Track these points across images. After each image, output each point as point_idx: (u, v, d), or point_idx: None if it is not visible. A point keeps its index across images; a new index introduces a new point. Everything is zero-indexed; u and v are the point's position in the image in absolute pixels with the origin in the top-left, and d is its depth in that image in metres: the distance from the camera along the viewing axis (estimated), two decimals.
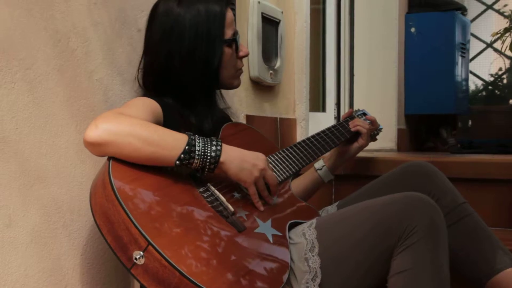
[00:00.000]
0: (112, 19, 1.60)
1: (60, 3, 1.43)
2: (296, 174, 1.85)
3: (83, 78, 1.50)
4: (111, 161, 1.29)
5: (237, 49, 1.62)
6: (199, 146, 1.33)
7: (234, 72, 1.64)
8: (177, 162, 1.31)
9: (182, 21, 1.54)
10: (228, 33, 1.59)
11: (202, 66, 1.55)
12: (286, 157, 1.73)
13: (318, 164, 1.96)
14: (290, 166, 1.71)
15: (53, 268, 1.40)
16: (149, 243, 1.19)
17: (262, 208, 1.47)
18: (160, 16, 1.56)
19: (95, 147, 1.29)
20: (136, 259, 1.20)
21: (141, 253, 1.20)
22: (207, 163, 1.35)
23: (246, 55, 1.66)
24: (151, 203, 1.28)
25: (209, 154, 1.34)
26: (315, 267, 1.42)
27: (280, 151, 1.73)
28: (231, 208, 1.40)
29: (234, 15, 1.70)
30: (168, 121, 1.49)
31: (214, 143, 1.36)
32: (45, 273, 1.38)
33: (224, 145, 1.38)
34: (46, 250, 1.38)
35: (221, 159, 1.36)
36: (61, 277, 1.42)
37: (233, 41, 1.61)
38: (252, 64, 2.34)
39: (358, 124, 1.96)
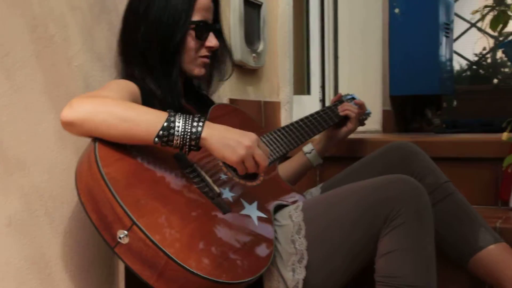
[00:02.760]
0: (91, 4, 1.59)
1: None
2: (284, 157, 1.85)
3: (63, 64, 1.49)
4: (97, 141, 1.29)
5: (200, 37, 1.60)
6: (179, 123, 1.30)
7: (194, 58, 1.62)
8: (156, 139, 1.28)
9: None
10: (195, 18, 1.59)
11: (161, 42, 1.56)
12: (274, 139, 1.73)
13: (307, 147, 1.97)
14: (278, 148, 1.71)
15: (35, 256, 1.39)
16: (134, 223, 1.19)
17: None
18: None
19: (71, 127, 1.29)
20: (120, 238, 1.20)
21: (125, 232, 1.20)
22: (187, 140, 1.30)
23: (213, 47, 1.63)
24: (137, 183, 1.28)
25: (189, 130, 1.30)
26: (301, 249, 1.43)
27: (269, 133, 1.74)
28: (216, 189, 1.40)
29: (218, 1, 1.68)
30: (146, 100, 1.49)
31: (196, 119, 1.32)
32: (28, 261, 1.37)
33: (207, 122, 1.34)
34: (28, 238, 1.38)
35: (203, 135, 1.31)
36: (44, 265, 1.42)
37: (198, 27, 1.59)
38: (235, 47, 2.33)
39: (347, 108, 1.96)
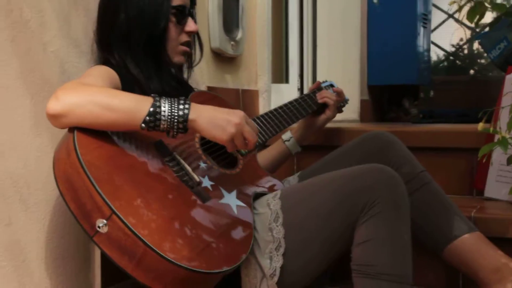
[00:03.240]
0: None
1: None
2: (263, 145, 1.85)
3: (38, 49, 1.47)
4: (75, 130, 1.28)
5: (180, 22, 1.61)
6: (164, 107, 1.30)
7: (175, 45, 1.62)
8: (143, 125, 1.28)
9: None
10: (176, 2, 1.59)
11: (146, 27, 1.56)
12: None
13: (286, 135, 1.97)
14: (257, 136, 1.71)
15: (10, 242, 1.38)
16: (113, 212, 1.19)
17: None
18: None
19: (57, 119, 1.28)
20: (99, 227, 1.20)
21: (104, 221, 1.20)
22: (175, 123, 1.30)
23: (192, 31, 1.63)
24: (116, 172, 1.27)
25: (176, 113, 1.30)
26: (279, 237, 1.43)
27: None
28: (196, 178, 1.40)
29: None
30: (126, 86, 1.49)
31: (181, 102, 1.32)
32: (1, 248, 1.36)
33: (193, 104, 1.33)
34: (2, 224, 1.36)
35: (191, 116, 1.31)
36: (18, 251, 1.40)
37: (178, 12, 1.60)
38: (213, 35, 2.31)
39: (325, 96, 1.97)
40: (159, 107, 1.29)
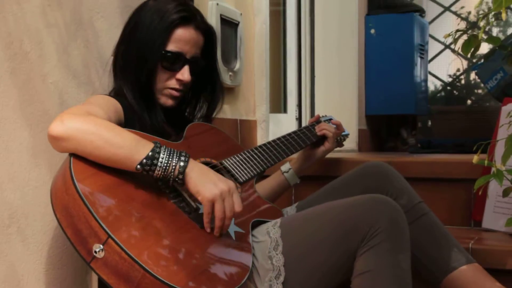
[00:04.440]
0: (67, 21, 1.59)
1: (12, 5, 1.41)
2: (261, 175, 1.86)
3: (37, 81, 1.48)
4: (72, 156, 1.29)
5: (171, 68, 1.60)
6: (163, 155, 1.32)
7: (162, 88, 1.62)
8: (138, 166, 1.30)
9: (141, 20, 1.58)
10: (171, 48, 1.59)
11: (137, 64, 1.57)
12: (251, 157, 1.73)
13: (285, 167, 1.98)
14: (255, 166, 1.72)
15: (7, 273, 1.38)
16: (109, 236, 1.20)
17: (208, 230, 1.38)
18: (136, 8, 1.63)
19: (57, 141, 1.29)
20: (95, 252, 1.21)
21: (101, 246, 1.20)
22: (172, 174, 1.33)
23: (183, 81, 1.61)
24: (112, 197, 1.28)
25: (174, 164, 1.32)
26: (278, 265, 1.43)
27: (246, 151, 1.74)
28: (193, 204, 1.41)
29: (211, 38, 1.68)
30: (128, 119, 1.51)
31: (183, 155, 1.35)
32: None
33: (191, 159, 1.36)
34: (0, 256, 1.36)
35: (186, 170, 1.34)
36: (16, 283, 1.40)
37: (169, 57, 1.59)
38: None
39: (324, 128, 1.99)
40: (158, 153, 1.32)
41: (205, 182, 1.35)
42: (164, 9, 1.58)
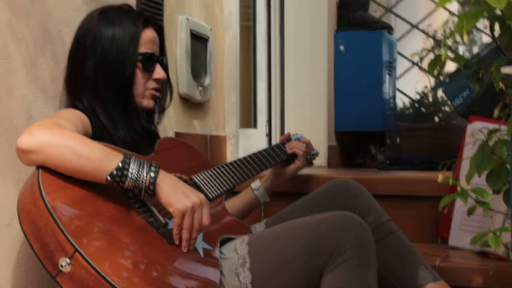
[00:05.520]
0: (35, 35, 1.57)
1: None
2: (231, 192, 1.86)
3: (4, 95, 1.46)
4: (40, 169, 1.28)
5: (148, 69, 1.61)
6: (133, 166, 1.32)
7: (143, 91, 1.62)
8: (108, 177, 1.29)
9: (98, 32, 1.57)
10: (141, 50, 1.60)
11: (114, 75, 1.56)
12: (221, 173, 1.74)
13: (255, 184, 1.98)
14: (225, 182, 1.72)
15: None
16: (76, 250, 1.19)
17: (177, 242, 1.38)
18: (82, 28, 1.60)
19: (26, 154, 1.28)
20: (62, 266, 1.20)
21: (68, 260, 1.19)
22: (143, 186, 1.32)
23: (160, 79, 1.64)
24: (80, 211, 1.27)
25: (144, 175, 1.32)
26: (245, 282, 1.43)
27: (216, 168, 1.74)
28: (162, 219, 1.40)
29: (162, 34, 1.69)
30: (95, 133, 1.49)
31: (153, 165, 1.35)
32: None
33: (161, 170, 1.36)
34: None
35: (157, 180, 1.34)
36: None
37: (145, 59, 1.60)
38: (181, 80, 2.33)
39: (294, 146, 2.00)
40: (128, 164, 1.31)
41: (177, 194, 1.35)
42: (122, 16, 1.59)
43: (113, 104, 1.57)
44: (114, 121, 1.56)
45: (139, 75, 1.60)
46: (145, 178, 1.32)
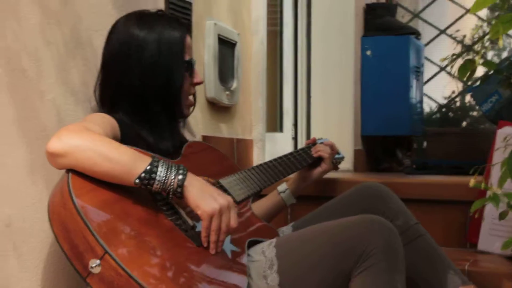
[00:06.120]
0: (66, 39, 1.59)
1: (12, 22, 1.41)
2: (257, 195, 1.87)
3: (35, 98, 1.48)
4: (70, 172, 1.29)
5: (190, 75, 1.63)
6: (161, 168, 1.32)
7: (187, 98, 1.64)
8: (137, 180, 1.30)
9: (142, 41, 1.55)
10: (186, 58, 1.61)
11: (164, 87, 1.56)
12: (248, 177, 1.74)
13: (281, 187, 1.98)
14: (251, 185, 1.73)
15: None
16: (106, 251, 1.20)
17: (205, 245, 1.38)
18: (119, 36, 1.58)
19: (55, 158, 1.30)
20: (92, 267, 1.20)
21: (98, 261, 1.20)
22: (171, 188, 1.33)
23: (201, 82, 1.66)
24: (109, 213, 1.28)
25: (173, 178, 1.32)
26: (273, 285, 1.44)
27: (243, 171, 1.75)
28: (190, 222, 1.40)
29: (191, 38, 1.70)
30: (125, 138, 1.50)
31: (181, 168, 1.35)
32: None
33: (189, 173, 1.37)
34: None
35: (185, 183, 1.34)
36: None
37: (190, 66, 1.62)
38: (209, 85, 2.34)
39: (320, 150, 2.00)
40: (156, 167, 1.32)
41: (205, 197, 1.35)
42: (162, 22, 1.59)
43: (159, 118, 1.58)
44: (158, 135, 1.57)
45: (186, 84, 1.62)
46: (173, 181, 1.33)
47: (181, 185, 1.33)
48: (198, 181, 1.38)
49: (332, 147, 2.05)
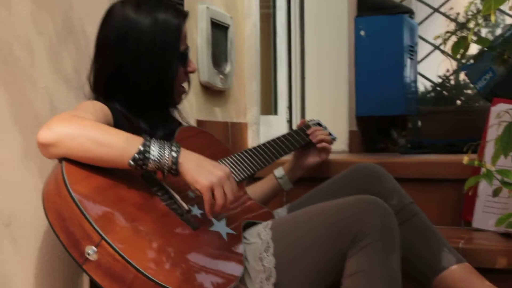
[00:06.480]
0: (57, 26, 1.59)
1: (1, 10, 1.41)
2: (251, 177, 1.87)
3: (28, 86, 1.48)
4: (64, 160, 1.29)
5: (184, 64, 1.62)
6: (154, 147, 1.31)
7: (179, 87, 1.63)
8: (131, 162, 1.29)
9: (139, 27, 1.53)
10: (182, 48, 1.60)
11: (158, 76, 1.55)
12: (242, 159, 1.74)
13: (279, 172, 1.98)
14: (245, 168, 1.73)
15: None
16: (102, 238, 1.20)
17: (211, 217, 1.41)
18: (115, 20, 1.55)
19: (47, 148, 1.29)
20: (88, 254, 1.21)
21: (94, 248, 1.20)
22: (165, 166, 1.32)
23: (194, 71, 1.65)
24: (104, 200, 1.28)
25: (167, 156, 1.32)
26: (270, 267, 1.44)
27: (236, 154, 1.75)
28: (185, 206, 1.40)
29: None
30: (118, 125, 1.49)
31: (174, 146, 1.34)
32: None
33: (183, 149, 1.36)
34: None
35: (179, 160, 1.34)
36: (3, 284, 1.39)
37: (185, 56, 1.61)
38: (202, 69, 2.34)
39: (322, 139, 1.99)
40: (149, 147, 1.31)
41: (201, 171, 1.35)
42: (160, 9, 1.56)
43: (153, 107, 1.58)
44: (152, 124, 1.57)
45: (180, 74, 1.61)
46: (167, 159, 1.32)
47: (175, 162, 1.32)
48: (193, 156, 1.37)
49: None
